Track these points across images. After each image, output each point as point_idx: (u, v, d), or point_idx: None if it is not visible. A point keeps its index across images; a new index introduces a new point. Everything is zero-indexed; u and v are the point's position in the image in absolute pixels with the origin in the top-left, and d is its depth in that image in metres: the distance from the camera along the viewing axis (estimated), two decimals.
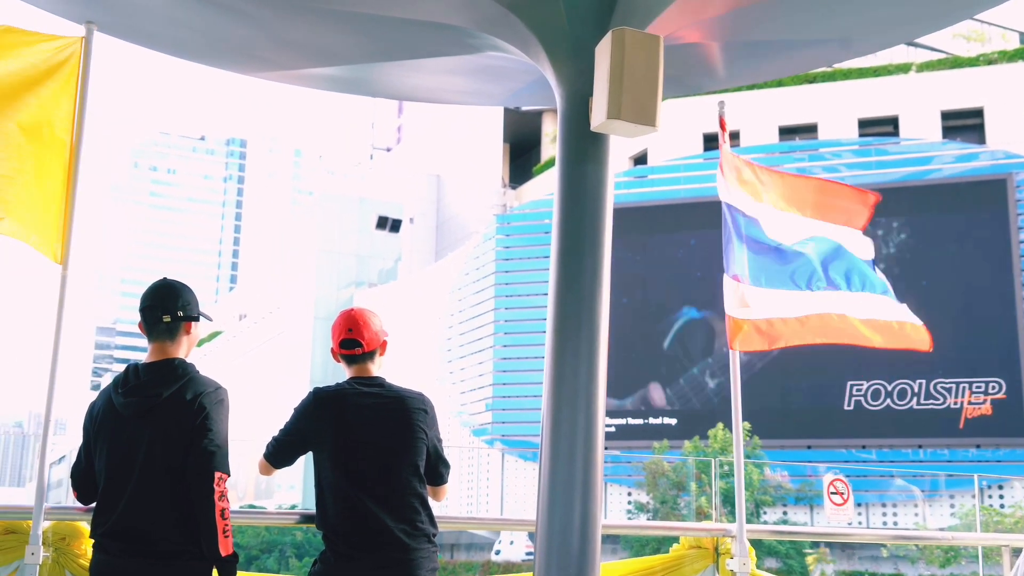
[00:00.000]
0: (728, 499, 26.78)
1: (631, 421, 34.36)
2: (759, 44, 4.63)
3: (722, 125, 5.25)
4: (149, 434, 3.48)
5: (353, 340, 3.96)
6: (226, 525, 3.41)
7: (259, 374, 56.97)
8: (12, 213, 4.08)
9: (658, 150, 37.96)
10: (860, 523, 30.03)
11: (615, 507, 33.19)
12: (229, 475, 3.51)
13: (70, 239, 4.14)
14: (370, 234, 58.09)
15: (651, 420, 34.50)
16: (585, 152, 3.80)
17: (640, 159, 39.97)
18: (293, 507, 37.67)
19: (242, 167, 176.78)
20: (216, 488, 3.42)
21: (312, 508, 3.98)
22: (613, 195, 3.84)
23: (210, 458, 3.45)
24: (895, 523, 30.70)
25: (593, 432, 3.63)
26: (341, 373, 4.04)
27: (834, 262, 5.27)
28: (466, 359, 40.73)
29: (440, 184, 57.87)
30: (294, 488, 46.39)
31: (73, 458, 3.74)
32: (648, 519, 30.90)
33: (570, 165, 3.82)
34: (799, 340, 5.08)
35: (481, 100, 6.15)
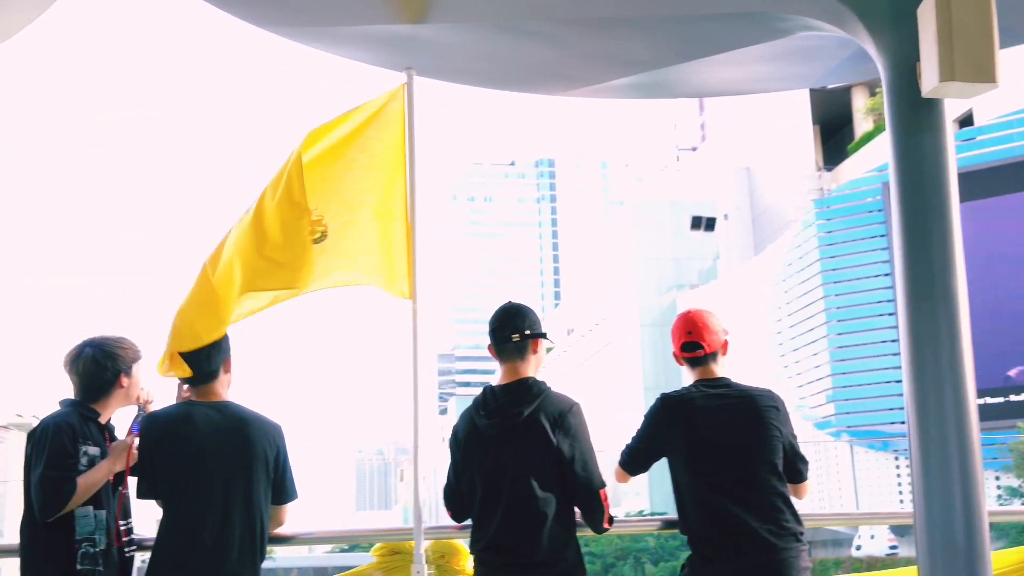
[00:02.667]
0: None
1: (989, 400, 31.93)
2: None
3: None
4: (515, 452, 3.64)
5: (694, 343, 3.93)
6: (608, 516, 3.69)
7: (592, 385, 58.17)
8: (358, 266, 4.38)
9: (985, 109, 35.22)
10: None
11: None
12: (605, 486, 3.67)
13: (415, 274, 4.39)
14: (685, 236, 57.89)
15: (1012, 397, 31.94)
16: (918, 121, 3.58)
17: (965, 121, 37.25)
18: (640, 513, 38.08)
19: (552, 186, 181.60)
20: (604, 505, 3.66)
21: (661, 513, 3.99)
22: (955, 161, 3.60)
23: (590, 479, 3.65)
24: None
25: (964, 415, 3.38)
26: (674, 377, 4.03)
27: None
28: (799, 351, 39.57)
29: (751, 176, 56.71)
30: (640, 495, 46.92)
31: (431, 480, 3.96)
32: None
33: (904, 137, 3.61)
34: None
35: (790, 84, 5.98)
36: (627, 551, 38.48)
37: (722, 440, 3.77)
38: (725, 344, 4.00)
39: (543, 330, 3.86)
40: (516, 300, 3.92)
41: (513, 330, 3.78)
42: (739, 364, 4.11)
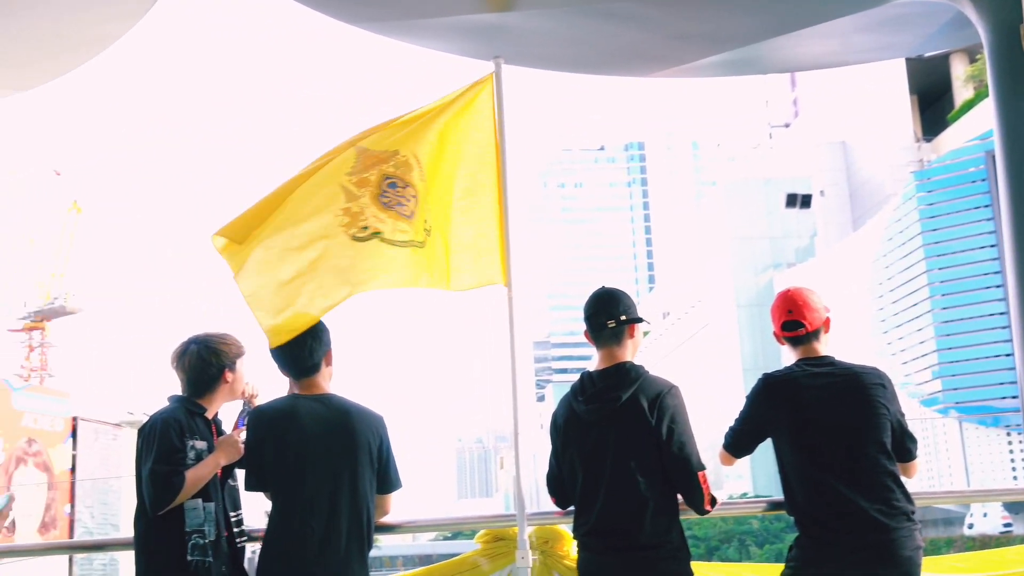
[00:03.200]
0: None
1: None
2: None
3: None
4: (615, 436, 3.64)
5: (795, 322, 3.85)
6: (710, 498, 3.67)
7: (689, 368, 57.72)
8: (459, 266, 4.42)
9: None
10: None
11: None
12: (705, 469, 3.65)
13: (510, 261, 4.40)
14: (780, 214, 56.97)
15: None
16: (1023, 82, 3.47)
17: None
18: (744, 495, 37.69)
19: (643, 169, 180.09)
20: (703, 488, 3.64)
21: (765, 495, 3.94)
22: None
23: (687, 461, 3.63)
24: None
25: None
26: (773, 357, 3.98)
27: None
28: (902, 328, 38.65)
29: (847, 151, 55.47)
30: (743, 477, 46.44)
31: (531, 466, 3.98)
32: None
33: (1008, 102, 3.52)
34: None
35: (886, 54, 5.84)
36: (731, 534, 38.15)
37: (828, 419, 3.69)
38: (827, 321, 3.91)
39: (639, 314, 3.84)
40: (610, 285, 3.91)
41: (608, 316, 3.77)
42: (839, 342, 3.99)
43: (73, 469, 21.58)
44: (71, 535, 20.84)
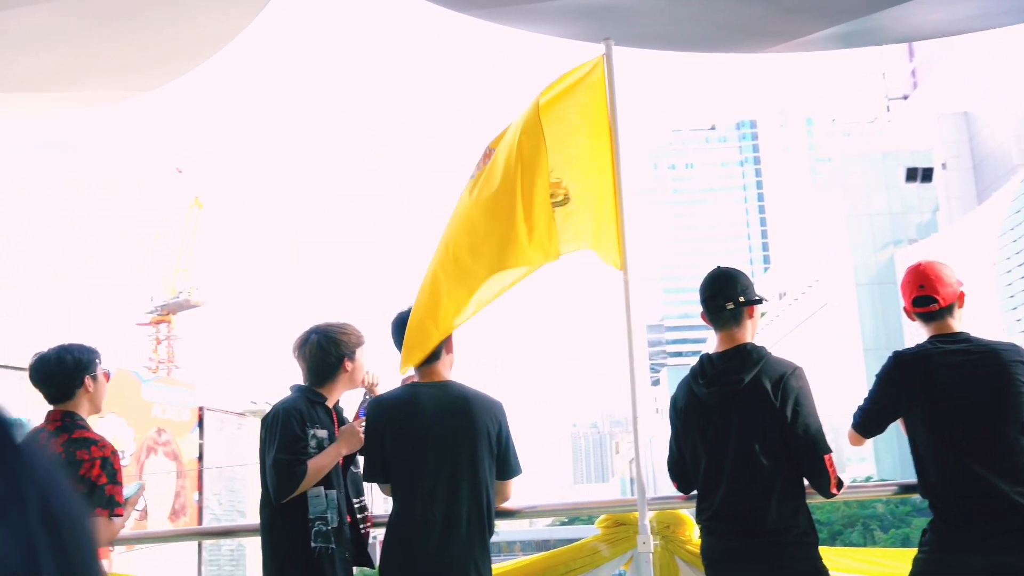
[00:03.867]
0: None
1: None
2: None
3: None
4: (737, 419, 3.58)
5: (927, 297, 3.69)
6: (836, 482, 3.57)
7: (808, 349, 56.58)
8: (578, 236, 4.41)
9: None
10: None
11: None
12: (831, 452, 3.56)
13: (625, 245, 4.36)
14: (900, 189, 55.33)
15: None
16: None
17: None
18: (868, 479, 36.82)
19: (755, 147, 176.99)
20: (829, 471, 3.55)
21: (888, 479, 3.79)
22: None
23: (814, 443, 3.55)
24: None
25: None
26: (896, 336, 3.83)
27: None
28: None
29: (969, 121, 53.53)
30: (865, 460, 45.39)
31: (648, 451, 3.94)
32: None
33: None
34: None
35: (1012, 19, 5.57)
36: (855, 518, 37.33)
37: (965, 398, 3.53)
38: (961, 296, 3.75)
39: (757, 294, 3.76)
40: (725, 265, 3.84)
41: (727, 298, 3.70)
42: (965, 320, 3.82)
43: (200, 457, 22.30)
44: (200, 522, 21.55)
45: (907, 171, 55.16)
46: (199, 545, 20.10)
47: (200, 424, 22.61)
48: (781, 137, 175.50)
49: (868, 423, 3.81)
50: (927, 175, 54.71)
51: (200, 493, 22.01)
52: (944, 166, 53.53)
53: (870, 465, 45.41)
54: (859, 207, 54.96)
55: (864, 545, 32.56)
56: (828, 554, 3.73)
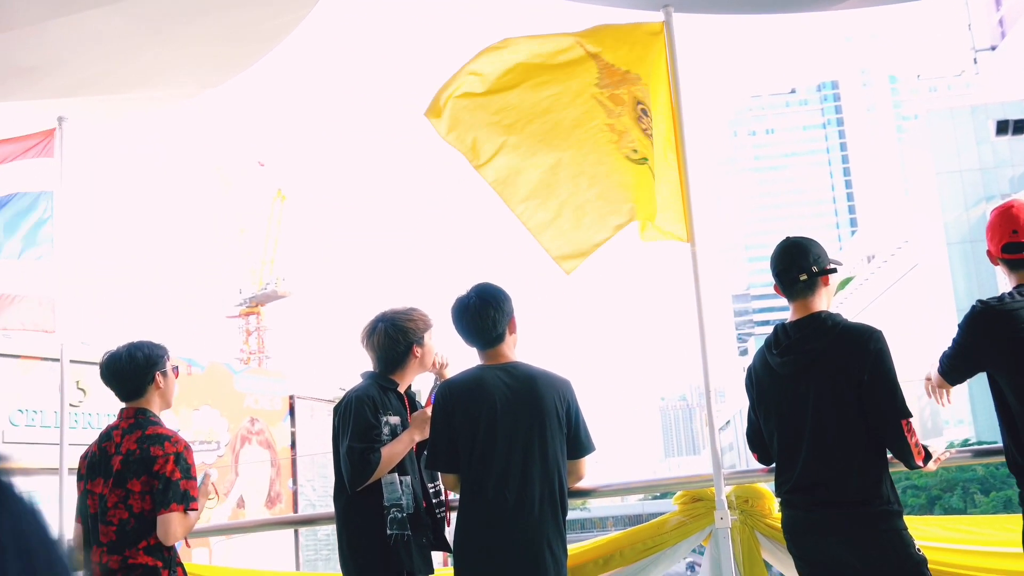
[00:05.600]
0: None
1: None
2: None
3: None
4: (814, 388, 3.45)
5: (1020, 243, 3.43)
6: (919, 450, 3.39)
7: (900, 312, 55.34)
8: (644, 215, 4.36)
9: None
10: None
11: None
12: (911, 416, 3.37)
13: (692, 216, 4.27)
14: (990, 143, 53.63)
15: None
16: None
17: None
18: (966, 442, 35.93)
19: (838, 109, 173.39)
20: (908, 437, 3.36)
21: (990, 442, 3.59)
22: None
23: (892, 407, 3.37)
24: None
25: None
26: (990, 292, 3.55)
27: None
28: None
29: None
30: (963, 423, 44.27)
31: (737, 423, 3.84)
32: None
33: None
34: None
35: None
36: (954, 482, 36.44)
37: None
38: None
39: (830, 262, 3.62)
40: (795, 235, 3.71)
41: (799, 270, 3.57)
42: None
43: (293, 445, 22.66)
44: (295, 509, 21.92)
45: (997, 124, 53.43)
46: (295, 531, 20.49)
47: (291, 412, 22.94)
48: (864, 97, 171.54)
49: (951, 370, 3.60)
50: (1019, 127, 52.94)
51: (294, 480, 22.37)
52: None
53: (968, 428, 44.28)
54: (948, 164, 53.42)
55: (964, 510, 31.76)
56: (915, 524, 3.56)
